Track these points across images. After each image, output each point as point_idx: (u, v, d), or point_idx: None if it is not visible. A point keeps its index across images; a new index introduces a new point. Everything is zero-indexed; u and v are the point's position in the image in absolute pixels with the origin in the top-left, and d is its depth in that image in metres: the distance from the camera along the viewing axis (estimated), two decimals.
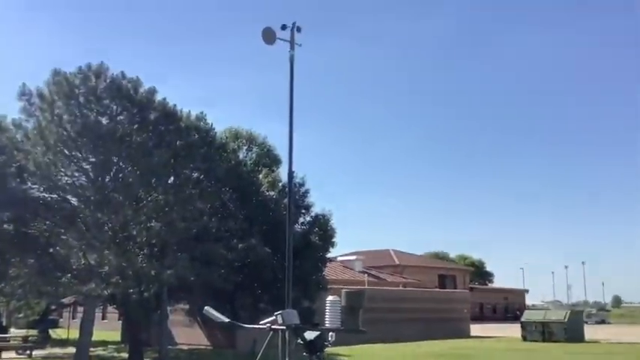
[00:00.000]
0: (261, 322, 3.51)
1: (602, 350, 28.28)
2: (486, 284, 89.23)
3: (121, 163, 18.79)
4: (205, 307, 3.72)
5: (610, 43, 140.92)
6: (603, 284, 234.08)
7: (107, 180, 18.68)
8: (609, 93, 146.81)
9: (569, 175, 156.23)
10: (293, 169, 7.94)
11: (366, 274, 46.02)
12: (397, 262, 60.60)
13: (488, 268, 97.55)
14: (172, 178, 19.35)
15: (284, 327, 3.38)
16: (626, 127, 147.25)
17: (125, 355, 22.65)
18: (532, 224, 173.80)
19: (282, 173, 23.53)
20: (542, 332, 34.80)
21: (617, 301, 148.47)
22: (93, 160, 18.47)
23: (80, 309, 26.23)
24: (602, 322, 70.25)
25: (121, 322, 29.59)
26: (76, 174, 18.36)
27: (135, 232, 18.16)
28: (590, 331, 38.80)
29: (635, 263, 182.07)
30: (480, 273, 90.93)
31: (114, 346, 26.99)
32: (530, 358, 24.87)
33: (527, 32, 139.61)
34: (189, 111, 20.57)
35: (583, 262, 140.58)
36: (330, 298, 3.48)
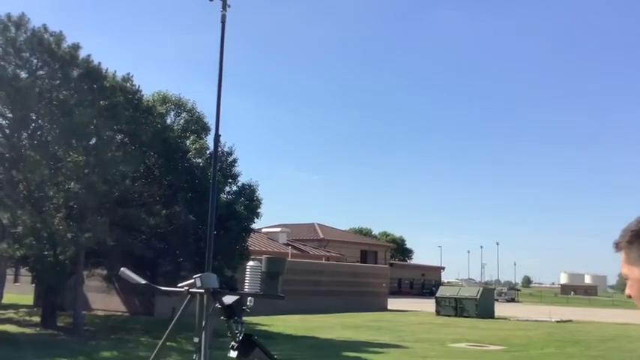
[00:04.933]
0: (178, 285, 3.44)
1: (507, 327, 29.75)
2: (406, 261, 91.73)
3: (39, 121, 17.95)
4: (122, 269, 3.60)
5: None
6: (515, 264, 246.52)
7: (23, 137, 17.81)
8: (523, 84, 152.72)
9: (487, 160, 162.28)
10: (221, 136, 7.79)
11: (290, 247, 46.31)
12: (322, 235, 61.23)
13: (409, 245, 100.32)
14: (94, 139, 18.63)
15: (202, 290, 3.33)
16: (538, 118, 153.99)
17: (38, 319, 21.92)
18: (452, 205, 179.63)
19: (210, 141, 23.13)
20: (455, 308, 36.24)
21: (526, 281, 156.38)
22: (9, 115, 17.54)
23: None
24: (512, 300, 73.83)
25: (34, 285, 28.52)
26: None
27: (51, 193, 17.43)
28: (501, 309, 40.73)
29: (544, 246, 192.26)
30: (400, 250, 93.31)
31: (26, 310, 26.04)
32: (435, 330, 25.86)
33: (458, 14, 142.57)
34: (115, 71, 19.81)
35: (497, 243, 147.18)
36: (250, 263, 3.45)
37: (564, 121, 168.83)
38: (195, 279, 3.33)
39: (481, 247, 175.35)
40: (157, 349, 3.52)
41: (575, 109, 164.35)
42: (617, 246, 1.54)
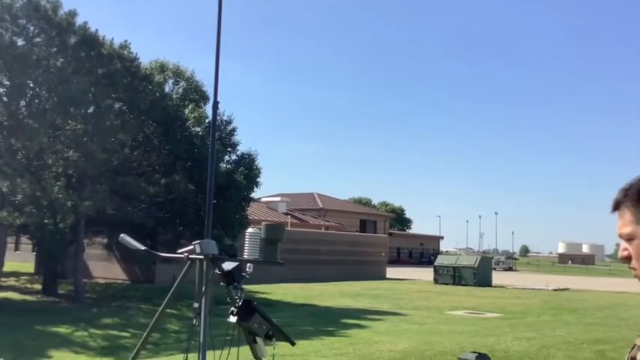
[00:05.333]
0: (178, 251, 3.45)
1: (504, 295, 30.05)
2: (405, 230, 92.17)
3: (37, 88, 17.82)
4: (121, 235, 3.61)
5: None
6: (513, 234, 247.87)
7: (22, 105, 17.72)
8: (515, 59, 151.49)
9: (486, 130, 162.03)
10: (220, 104, 7.70)
11: (289, 216, 46.46)
12: (321, 205, 61.32)
13: (408, 215, 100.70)
14: (92, 107, 18.53)
15: (202, 256, 3.34)
16: (537, 88, 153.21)
17: (39, 286, 22.11)
18: (451, 175, 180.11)
19: (209, 110, 23.01)
20: (452, 276, 36.53)
21: (524, 251, 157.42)
22: (7, 83, 17.43)
23: None
24: (510, 269, 74.31)
25: (35, 254, 28.71)
26: None
27: (50, 161, 17.41)
28: (498, 277, 41.06)
29: (543, 216, 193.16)
30: (399, 219, 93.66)
31: (27, 277, 26.24)
32: (433, 298, 26.12)
33: None
34: (113, 38, 19.60)
35: (496, 213, 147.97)
36: (249, 230, 3.45)
37: (563, 90, 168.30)
38: (195, 245, 3.34)
39: (479, 216, 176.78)
40: (156, 315, 3.55)
41: (574, 76, 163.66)
42: (620, 204, 1.44)
